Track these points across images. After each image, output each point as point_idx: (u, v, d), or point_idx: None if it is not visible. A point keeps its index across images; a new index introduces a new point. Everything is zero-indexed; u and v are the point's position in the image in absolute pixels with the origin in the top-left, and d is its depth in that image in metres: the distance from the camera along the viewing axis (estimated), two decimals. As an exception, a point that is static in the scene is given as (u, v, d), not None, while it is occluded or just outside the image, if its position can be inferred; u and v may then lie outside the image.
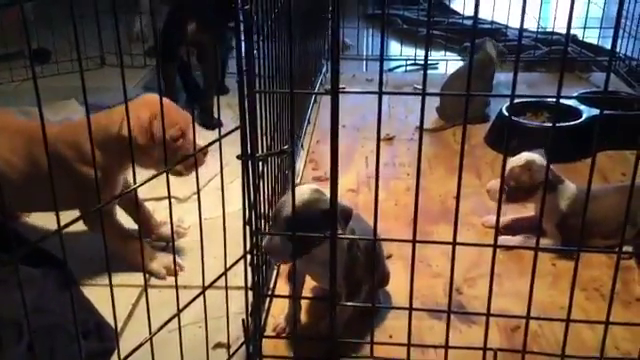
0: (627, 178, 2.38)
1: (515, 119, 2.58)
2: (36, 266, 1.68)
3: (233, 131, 1.31)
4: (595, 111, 2.62)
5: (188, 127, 1.67)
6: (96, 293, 1.65)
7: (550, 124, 2.64)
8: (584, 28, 3.76)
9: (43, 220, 1.97)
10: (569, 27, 1.19)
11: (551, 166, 1.92)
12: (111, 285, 1.12)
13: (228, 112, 2.81)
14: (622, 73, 3.49)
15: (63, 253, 1.01)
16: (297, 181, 2.38)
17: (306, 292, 1.69)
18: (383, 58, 1.29)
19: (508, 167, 1.92)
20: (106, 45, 3.66)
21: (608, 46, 3.83)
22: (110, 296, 1.14)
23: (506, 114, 2.64)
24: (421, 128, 1.27)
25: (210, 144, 1.30)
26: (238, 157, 1.31)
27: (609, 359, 1.43)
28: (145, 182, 1.17)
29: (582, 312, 1.64)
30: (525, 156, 1.94)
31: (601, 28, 3.80)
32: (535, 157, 1.92)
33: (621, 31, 3.50)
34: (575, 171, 2.20)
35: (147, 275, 1.79)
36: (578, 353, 1.46)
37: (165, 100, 1.55)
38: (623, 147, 2.54)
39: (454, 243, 1.31)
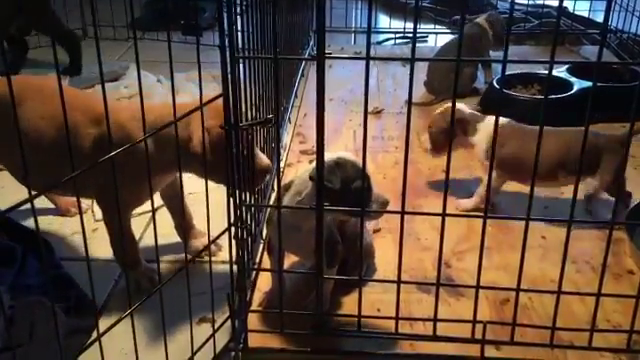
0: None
1: (506, 92, 2.54)
2: (17, 242, 1.65)
3: (216, 98, 1.26)
4: (586, 83, 2.59)
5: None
6: (78, 268, 1.60)
7: (540, 96, 2.61)
8: (575, 0, 3.72)
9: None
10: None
11: (471, 110, 2.04)
12: (88, 260, 1.08)
13: (212, 84, 2.76)
14: (613, 46, 3.45)
15: (36, 224, 0.97)
16: (283, 154, 2.34)
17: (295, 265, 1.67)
18: (371, 28, 1.24)
19: (434, 117, 2.07)
20: (88, 17, 3.57)
21: (599, 19, 3.79)
22: (90, 271, 1.10)
23: (497, 87, 2.61)
24: (410, 96, 1.24)
25: (192, 112, 1.25)
26: (221, 127, 1.27)
27: (600, 331, 1.42)
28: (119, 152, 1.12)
29: (572, 285, 1.62)
30: (446, 105, 2.03)
31: (592, 0, 3.76)
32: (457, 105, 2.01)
33: (612, 3, 3.46)
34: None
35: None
36: (568, 326, 1.44)
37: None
38: (613, 119, 2.52)
39: (443, 214, 1.28)
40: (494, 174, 1.94)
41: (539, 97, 2.60)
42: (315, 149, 1.25)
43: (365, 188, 1.34)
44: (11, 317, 1.39)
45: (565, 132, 1.87)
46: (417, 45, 1.21)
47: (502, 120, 1.95)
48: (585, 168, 1.81)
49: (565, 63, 2.75)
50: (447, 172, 1.27)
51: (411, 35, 3.70)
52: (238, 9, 1.38)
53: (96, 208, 1.99)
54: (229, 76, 1.22)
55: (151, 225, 1.88)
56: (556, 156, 1.83)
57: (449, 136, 1.87)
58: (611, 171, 1.85)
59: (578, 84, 2.60)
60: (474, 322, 1.39)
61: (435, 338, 1.42)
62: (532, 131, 1.92)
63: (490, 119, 2.00)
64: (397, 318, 1.40)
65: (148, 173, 1.20)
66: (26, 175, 0.90)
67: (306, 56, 3.08)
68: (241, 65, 1.32)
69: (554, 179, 1.89)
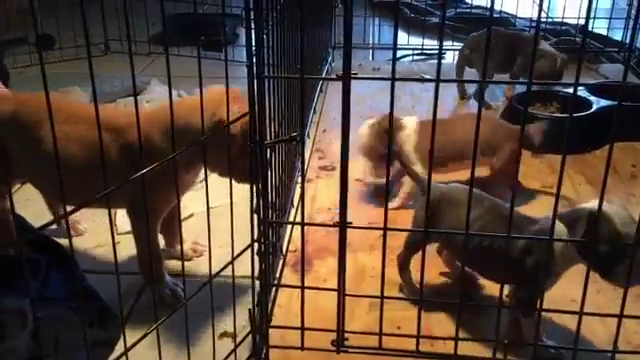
0: (637, 169, 2.35)
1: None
2: (42, 255, 1.67)
3: (242, 117, 1.28)
4: (605, 102, 2.59)
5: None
6: (102, 281, 1.62)
7: (559, 115, 2.61)
8: (593, 19, 3.72)
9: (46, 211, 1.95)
10: (587, 18, 1.17)
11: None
12: (117, 273, 1.09)
13: (234, 100, 2.78)
14: (632, 65, 3.45)
15: (69, 239, 0.99)
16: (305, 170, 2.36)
17: (315, 281, 1.68)
18: (396, 49, 1.26)
19: (364, 135, 2.11)
20: (110, 32, 3.63)
21: (617, 37, 3.79)
22: (117, 284, 1.12)
23: (516, 105, 2.62)
24: (434, 115, 1.25)
25: (226, 126, 1.27)
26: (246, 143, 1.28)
27: (621, 352, 1.41)
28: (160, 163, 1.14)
29: (594, 305, 1.60)
30: (367, 122, 2.12)
31: (611, 19, 3.76)
32: (375, 119, 2.11)
33: (631, 22, 3.46)
34: (584, 162, 2.17)
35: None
36: (590, 346, 1.43)
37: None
38: (633, 139, 2.51)
39: (466, 233, 1.29)
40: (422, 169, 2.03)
41: (559, 115, 2.60)
42: (335, 165, 1.27)
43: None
44: (36, 329, 1.41)
45: (469, 121, 2.04)
46: (435, 62, 1.22)
47: (416, 119, 2.12)
48: (488, 153, 2.05)
49: (590, 85, 2.74)
50: (470, 189, 1.28)
51: (428, 51, 3.74)
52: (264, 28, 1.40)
53: (119, 221, 2.02)
54: (255, 95, 1.24)
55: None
56: (463, 142, 1.99)
57: (387, 146, 1.96)
58: (502, 159, 2.06)
59: (597, 103, 2.60)
60: (496, 341, 1.39)
61: (456, 357, 1.42)
62: (445, 121, 2.08)
63: (406, 119, 2.12)
64: (418, 336, 1.41)
65: (175, 176, 1.25)
66: (62, 194, 0.92)
67: (326, 71, 3.11)
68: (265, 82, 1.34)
69: (460, 161, 2.03)
